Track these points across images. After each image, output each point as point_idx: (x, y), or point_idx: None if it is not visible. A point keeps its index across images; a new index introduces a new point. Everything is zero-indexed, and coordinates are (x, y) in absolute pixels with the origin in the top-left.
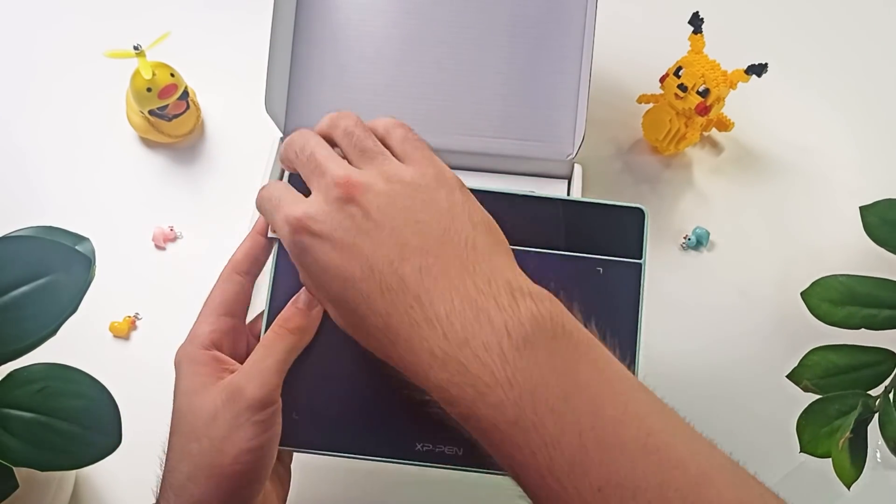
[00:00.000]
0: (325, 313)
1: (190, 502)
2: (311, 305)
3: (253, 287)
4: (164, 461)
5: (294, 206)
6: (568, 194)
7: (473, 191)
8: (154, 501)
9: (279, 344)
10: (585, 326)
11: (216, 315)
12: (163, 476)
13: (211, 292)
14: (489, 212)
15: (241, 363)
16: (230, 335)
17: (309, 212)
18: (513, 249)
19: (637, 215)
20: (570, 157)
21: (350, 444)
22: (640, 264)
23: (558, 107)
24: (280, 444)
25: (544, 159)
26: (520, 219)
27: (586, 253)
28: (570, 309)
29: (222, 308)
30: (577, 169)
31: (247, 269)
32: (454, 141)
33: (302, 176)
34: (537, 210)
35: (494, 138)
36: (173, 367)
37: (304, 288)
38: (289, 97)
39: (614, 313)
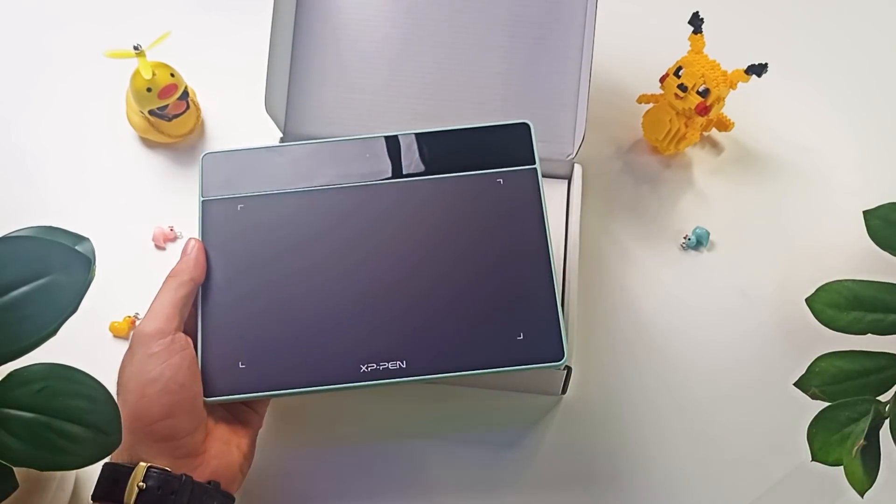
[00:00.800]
0: (274, 261)
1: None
2: (199, 253)
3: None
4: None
5: None
6: (568, 195)
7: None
8: None
9: (167, 290)
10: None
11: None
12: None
13: (159, 294)
14: (397, 148)
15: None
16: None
17: None
18: (429, 179)
19: (524, 129)
20: (570, 157)
21: (298, 378)
22: (535, 169)
23: (558, 107)
24: (231, 394)
25: (544, 159)
26: (425, 151)
27: (486, 169)
28: (480, 220)
29: (183, 302)
30: (577, 169)
31: (194, 278)
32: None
33: None
34: (436, 141)
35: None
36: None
37: (192, 239)
38: (289, 97)
39: (521, 218)
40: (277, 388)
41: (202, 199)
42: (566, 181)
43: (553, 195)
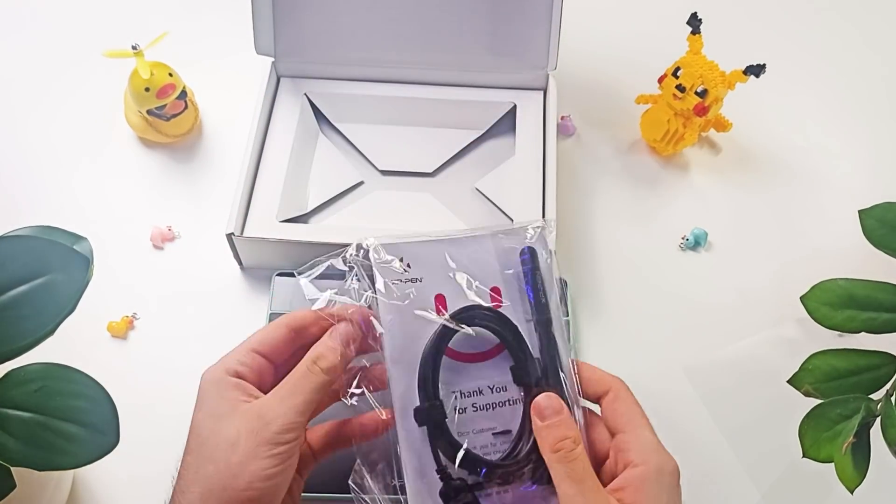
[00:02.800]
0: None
1: None
2: (347, 343)
3: (294, 347)
4: (175, 479)
5: None
6: (544, 106)
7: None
8: None
9: (307, 382)
10: None
11: (250, 350)
12: (172, 495)
13: (256, 332)
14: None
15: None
16: (257, 373)
17: None
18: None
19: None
20: (545, 69)
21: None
22: (567, 321)
23: (534, 22)
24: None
25: (521, 72)
26: None
27: None
28: None
29: (259, 346)
30: (552, 81)
31: (296, 328)
32: (435, 57)
33: None
34: None
35: (473, 54)
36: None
37: (342, 324)
38: (275, 32)
39: None
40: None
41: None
42: (542, 92)
43: (529, 106)
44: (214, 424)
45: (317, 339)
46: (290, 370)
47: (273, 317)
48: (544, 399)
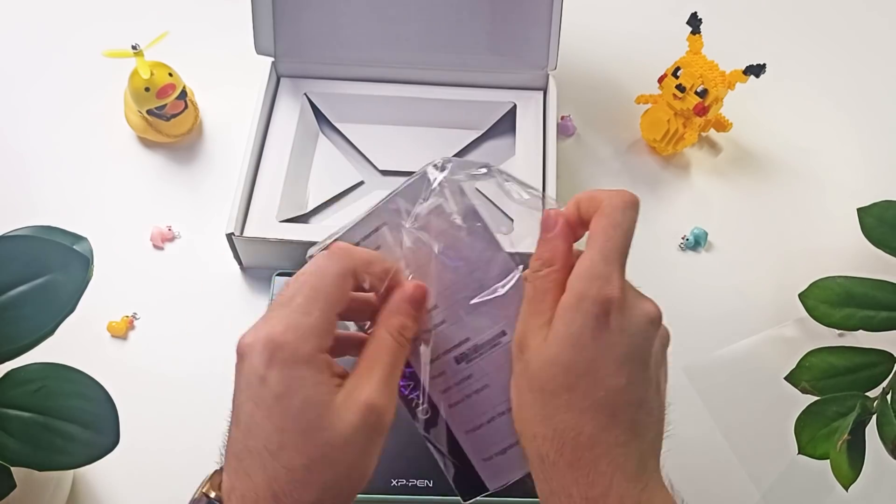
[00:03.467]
0: None
1: None
2: (420, 303)
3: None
4: (281, 492)
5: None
6: (544, 106)
7: None
8: None
9: (400, 358)
10: None
11: (332, 315)
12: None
13: (324, 281)
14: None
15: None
16: (332, 343)
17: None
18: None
19: None
20: (545, 69)
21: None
22: None
23: (534, 22)
24: None
25: (521, 72)
26: None
27: None
28: None
29: (342, 310)
30: (552, 81)
31: (358, 276)
32: (435, 57)
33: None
34: None
35: (474, 54)
36: (270, 353)
37: (412, 287)
38: (275, 32)
39: None
40: None
41: None
42: (542, 92)
43: (529, 106)
44: (321, 416)
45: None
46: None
47: None
48: (546, 213)
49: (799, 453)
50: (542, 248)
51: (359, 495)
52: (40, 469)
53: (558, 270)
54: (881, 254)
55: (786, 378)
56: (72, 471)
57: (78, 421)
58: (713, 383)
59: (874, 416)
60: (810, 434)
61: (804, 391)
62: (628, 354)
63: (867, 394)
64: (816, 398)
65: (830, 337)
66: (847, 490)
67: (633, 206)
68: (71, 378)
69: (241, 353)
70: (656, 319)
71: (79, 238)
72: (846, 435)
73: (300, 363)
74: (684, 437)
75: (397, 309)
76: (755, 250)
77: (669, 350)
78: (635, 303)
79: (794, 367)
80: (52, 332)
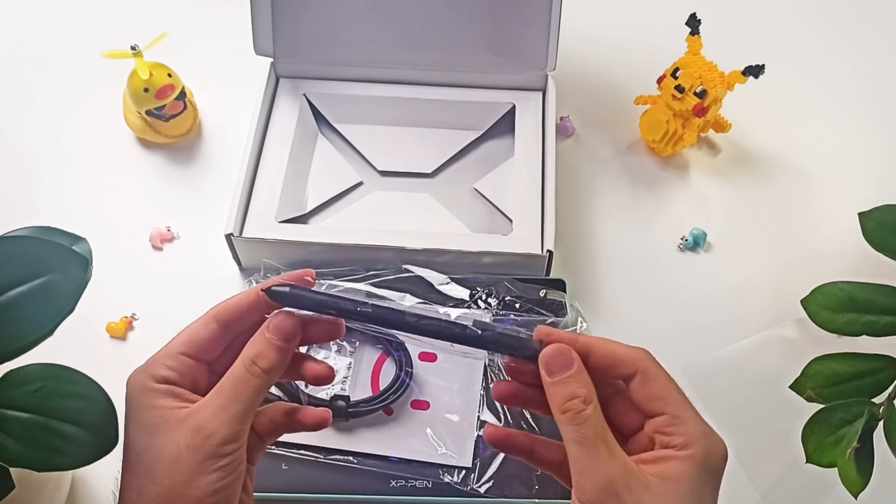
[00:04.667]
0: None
1: None
2: (288, 338)
3: (227, 341)
4: (117, 497)
5: None
6: (543, 107)
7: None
8: None
9: (248, 386)
10: None
11: (178, 354)
12: None
13: (182, 330)
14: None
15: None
16: (188, 376)
17: None
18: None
19: (559, 285)
20: (544, 70)
21: (334, 484)
22: (565, 322)
23: (533, 22)
24: (272, 491)
25: (520, 73)
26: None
27: (522, 316)
28: None
29: (186, 348)
30: (552, 82)
31: (227, 321)
32: (434, 57)
33: None
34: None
35: (473, 55)
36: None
37: (279, 316)
38: (274, 32)
39: None
40: (316, 491)
41: None
42: (541, 92)
43: (528, 106)
44: (149, 439)
45: (254, 330)
46: (228, 366)
47: None
48: (551, 351)
49: (807, 462)
50: (574, 384)
51: (358, 496)
52: (39, 470)
53: (597, 405)
54: (882, 258)
55: (791, 387)
56: (70, 471)
57: (77, 422)
58: (712, 384)
59: (880, 423)
60: (817, 442)
61: (810, 399)
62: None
63: (873, 400)
64: (821, 405)
65: (830, 338)
66: (856, 498)
67: (652, 359)
68: (70, 379)
69: None
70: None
71: (78, 239)
72: (855, 443)
73: (135, 392)
74: None
75: (256, 337)
76: (754, 251)
77: (669, 350)
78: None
79: (795, 370)
80: (51, 332)
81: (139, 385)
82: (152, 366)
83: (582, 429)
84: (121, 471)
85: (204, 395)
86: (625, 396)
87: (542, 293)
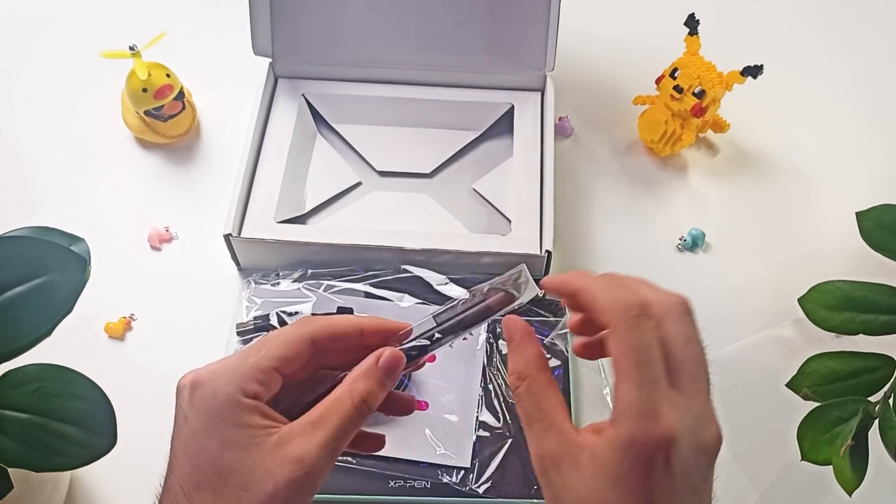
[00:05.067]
0: None
1: None
2: (393, 369)
3: (316, 363)
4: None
5: None
6: (542, 107)
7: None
8: None
9: (354, 425)
10: None
11: (271, 369)
12: None
13: (272, 339)
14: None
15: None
16: (273, 391)
17: None
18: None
19: None
20: (542, 70)
21: (333, 484)
22: (563, 322)
23: (531, 23)
24: None
25: (519, 73)
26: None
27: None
28: None
29: (281, 364)
30: (550, 82)
31: (323, 347)
32: (432, 58)
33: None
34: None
35: (472, 55)
36: (192, 391)
37: (390, 352)
38: (273, 33)
39: None
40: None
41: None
42: (539, 93)
43: (526, 106)
44: (240, 460)
45: (342, 354)
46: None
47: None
48: (505, 321)
49: (802, 459)
50: (512, 361)
51: (357, 496)
52: (37, 470)
53: (536, 379)
54: (879, 257)
55: (787, 385)
56: (69, 472)
57: (75, 422)
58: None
59: (876, 421)
60: (812, 440)
61: (806, 397)
62: (682, 493)
63: (869, 398)
64: (817, 403)
65: (828, 338)
66: (850, 496)
67: (647, 316)
68: (68, 379)
69: (176, 392)
70: (715, 451)
71: (76, 239)
72: (850, 441)
73: (219, 403)
74: None
75: (367, 373)
76: (753, 251)
77: None
78: (694, 436)
79: (792, 370)
80: (49, 332)
81: (227, 397)
82: (243, 377)
83: (519, 406)
84: (180, 478)
85: (279, 413)
86: None
87: (540, 293)
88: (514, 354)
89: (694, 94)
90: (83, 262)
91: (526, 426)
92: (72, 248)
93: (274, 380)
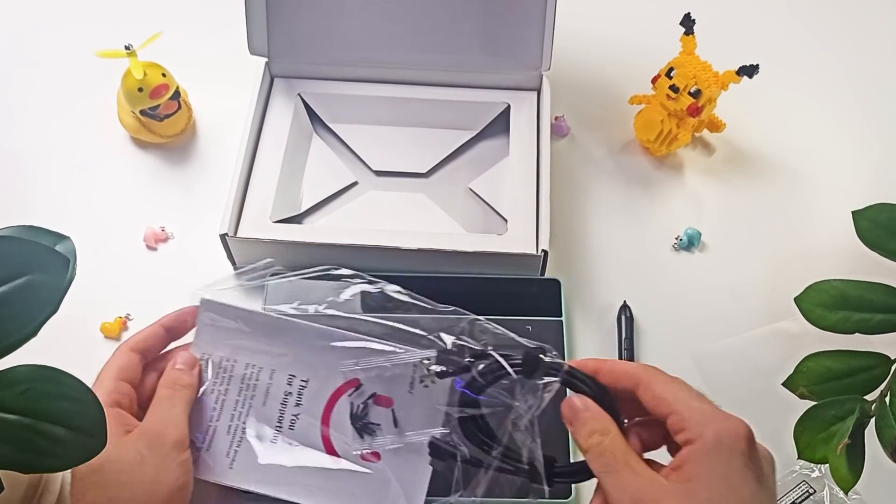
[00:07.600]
0: None
1: None
2: (192, 365)
3: (142, 365)
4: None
5: None
6: (538, 106)
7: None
8: None
9: (179, 396)
10: None
11: (115, 379)
12: None
13: (108, 361)
14: (436, 290)
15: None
16: (127, 398)
17: None
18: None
19: (554, 285)
20: (538, 69)
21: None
22: (560, 321)
23: (527, 22)
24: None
25: (515, 73)
26: (465, 293)
27: (517, 315)
28: None
29: (120, 374)
30: (546, 82)
31: (141, 350)
32: (429, 57)
33: None
34: (475, 286)
35: (468, 54)
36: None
37: (182, 350)
38: (269, 32)
39: None
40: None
41: None
42: (536, 92)
43: (523, 106)
44: (108, 452)
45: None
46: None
47: None
48: (563, 405)
49: (798, 458)
50: (590, 424)
51: None
52: (27, 472)
53: (616, 434)
54: (875, 256)
55: (783, 384)
56: (60, 473)
57: (65, 423)
58: (707, 384)
59: (872, 420)
60: (809, 438)
61: (802, 396)
62: (769, 474)
63: (865, 397)
64: (814, 402)
65: (824, 337)
66: (847, 494)
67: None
68: (58, 380)
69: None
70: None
71: (62, 238)
72: (846, 439)
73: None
74: None
75: (168, 370)
76: (749, 251)
77: (667, 349)
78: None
79: (788, 369)
80: (34, 333)
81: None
82: (101, 390)
83: (605, 458)
84: (71, 492)
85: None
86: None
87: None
88: (591, 416)
89: (690, 93)
90: (67, 262)
91: (611, 474)
92: (56, 247)
93: (123, 388)
